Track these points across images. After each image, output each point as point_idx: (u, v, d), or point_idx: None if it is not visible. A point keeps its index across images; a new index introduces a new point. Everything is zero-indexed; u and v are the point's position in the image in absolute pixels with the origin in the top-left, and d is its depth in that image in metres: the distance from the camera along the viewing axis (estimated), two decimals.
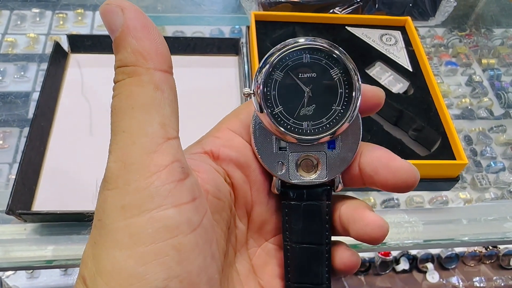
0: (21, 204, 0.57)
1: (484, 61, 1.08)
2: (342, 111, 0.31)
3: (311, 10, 0.74)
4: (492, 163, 0.93)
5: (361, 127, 0.32)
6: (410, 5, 0.77)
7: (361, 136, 0.32)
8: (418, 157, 0.62)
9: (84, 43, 0.73)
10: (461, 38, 1.11)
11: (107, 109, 0.70)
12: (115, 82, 0.27)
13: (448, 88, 1.02)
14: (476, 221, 0.62)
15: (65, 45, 0.74)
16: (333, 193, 0.34)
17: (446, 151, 0.62)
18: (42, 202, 0.59)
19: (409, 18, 0.74)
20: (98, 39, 0.73)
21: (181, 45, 0.74)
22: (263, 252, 0.35)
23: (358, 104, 0.31)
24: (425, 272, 1.10)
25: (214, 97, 0.70)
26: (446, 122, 0.63)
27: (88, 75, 0.71)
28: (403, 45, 0.72)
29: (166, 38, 0.77)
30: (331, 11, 0.75)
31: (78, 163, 0.62)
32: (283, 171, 0.33)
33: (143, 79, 0.26)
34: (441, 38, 1.10)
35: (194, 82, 0.72)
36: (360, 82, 0.31)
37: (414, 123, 0.65)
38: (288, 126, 0.31)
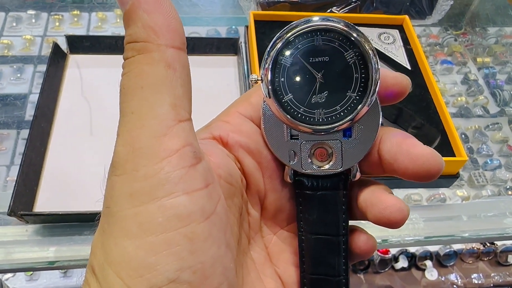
0: (22, 205, 0.56)
1: (479, 59, 1.09)
2: (357, 97, 0.29)
3: (309, 10, 0.74)
4: (488, 160, 0.93)
5: (381, 114, 0.30)
6: (407, 4, 0.77)
7: (380, 123, 0.30)
8: None
9: (82, 44, 0.73)
10: (456, 37, 1.11)
11: (107, 109, 0.71)
12: (124, 59, 0.25)
13: (444, 87, 1.02)
14: (476, 218, 0.63)
15: (63, 46, 0.74)
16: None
17: (446, 148, 0.62)
18: (44, 203, 0.59)
19: (406, 17, 0.75)
20: (97, 39, 0.73)
21: None
22: (278, 239, 0.34)
23: (375, 91, 0.28)
24: (423, 270, 1.10)
25: (213, 97, 0.70)
26: (445, 120, 0.64)
27: (88, 76, 0.71)
28: (401, 44, 0.73)
29: None
30: (329, 10, 0.75)
31: (79, 164, 0.62)
32: (296, 160, 0.30)
33: (154, 56, 0.24)
34: (436, 37, 1.11)
35: (193, 82, 0.71)
36: (378, 66, 0.28)
37: (413, 120, 0.65)
38: (299, 115, 0.29)
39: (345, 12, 0.75)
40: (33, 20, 0.98)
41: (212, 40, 0.74)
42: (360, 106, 0.28)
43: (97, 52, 0.73)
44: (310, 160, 0.31)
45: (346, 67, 0.28)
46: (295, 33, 0.28)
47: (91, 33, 0.94)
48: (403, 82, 0.30)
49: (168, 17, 0.25)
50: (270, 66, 0.29)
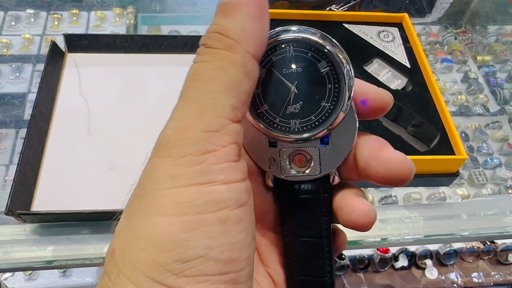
0: (20, 204, 0.56)
1: (479, 58, 1.09)
2: (331, 107, 0.29)
3: (308, 8, 0.74)
4: (488, 159, 0.93)
5: (357, 121, 0.30)
6: (407, 1, 0.77)
7: (356, 130, 0.30)
8: (417, 152, 0.62)
9: (81, 43, 0.72)
10: (456, 35, 1.11)
11: (105, 108, 0.70)
12: (204, 45, 0.26)
13: (444, 85, 1.02)
14: (476, 216, 0.62)
15: (62, 45, 0.74)
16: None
17: (445, 147, 0.62)
18: (41, 202, 0.59)
19: (406, 15, 0.74)
20: (95, 38, 0.73)
21: (179, 44, 0.74)
22: (267, 241, 0.34)
23: (349, 98, 0.29)
24: (424, 269, 1.10)
25: None
26: (444, 118, 0.63)
27: (86, 75, 0.70)
28: (401, 42, 0.72)
29: (163, 37, 0.78)
30: (328, 8, 0.75)
31: (77, 163, 0.62)
32: (275, 166, 0.31)
33: (238, 59, 0.25)
34: (436, 35, 1.11)
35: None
36: (351, 75, 0.29)
37: (413, 119, 0.65)
38: (275, 125, 0.30)
39: (344, 10, 0.75)
40: (32, 19, 0.98)
41: None
42: (334, 115, 0.29)
43: (95, 50, 0.73)
44: (289, 166, 0.31)
45: (319, 78, 0.29)
46: (268, 45, 0.28)
47: (90, 32, 0.95)
48: (385, 98, 0.30)
49: (264, 31, 0.26)
50: None
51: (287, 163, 0.31)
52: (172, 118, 0.25)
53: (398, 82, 0.69)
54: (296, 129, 0.30)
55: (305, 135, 0.30)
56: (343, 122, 0.30)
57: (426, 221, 0.61)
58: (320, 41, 0.28)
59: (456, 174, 0.62)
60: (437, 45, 1.09)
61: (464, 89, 1.04)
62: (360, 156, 0.30)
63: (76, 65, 0.71)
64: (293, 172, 0.31)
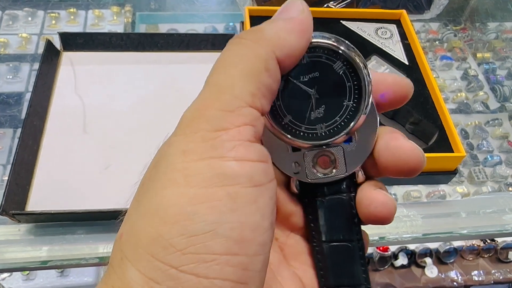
0: (14, 204, 0.56)
1: (479, 55, 1.08)
2: (355, 104, 0.29)
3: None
4: (488, 156, 0.93)
5: (378, 116, 0.30)
6: None
7: (378, 125, 0.30)
8: None
9: (76, 41, 0.72)
10: (455, 32, 1.11)
11: (100, 106, 0.70)
12: (237, 36, 0.27)
13: (443, 83, 1.02)
14: (474, 214, 0.62)
15: (57, 44, 0.73)
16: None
17: (444, 144, 0.61)
18: (36, 202, 0.58)
19: (404, 11, 0.73)
20: (91, 36, 0.72)
21: (175, 42, 0.74)
22: (293, 241, 0.33)
23: (370, 94, 0.29)
24: (423, 267, 1.10)
25: None
26: (443, 115, 0.63)
27: (81, 73, 0.70)
28: (399, 39, 0.71)
29: (159, 35, 0.77)
30: (325, 5, 0.74)
31: (72, 162, 0.62)
32: (300, 171, 0.31)
33: (262, 53, 0.26)
34: (435, 32, 1.10)
35: (189, 78, 0.71)
36: (368, 70, 0.29)
37: (411, 116, 0.64)
38: (301, 134, 0.29)
39: (342, 7, 0.74)
40: (29, 18, 0.98)
41: (207, 36, 0.74)
42: (358, 113, 0.29)
43: (91, 49, 0.72)
44: (314, 169, 0.31)
45: (337, 78, 0.29)
46: None
47: (88, 31, 0.94)
48: (404, 86, 0.30)
49: (298, 47, 0.27)
50: None
51: (312, 166, 0.31)
52: (193, 101, 0.26)
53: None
54: (323, 133, 0.30)
55: (334, 137, 0.30)
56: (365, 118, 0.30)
57: (424, 219, 0.60)
58: (333, 43, 0.29)
59: (454, 172, 0.61)
60: (437, 42, 1.09)
61: (464, 87, 1.04)
62: (376, 149, 0.30)
63: (72, 63, 0.70)
64: (319, 174, 0.31)
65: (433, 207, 0.62)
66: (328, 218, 0.31)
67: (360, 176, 0.31)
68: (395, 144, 0.29)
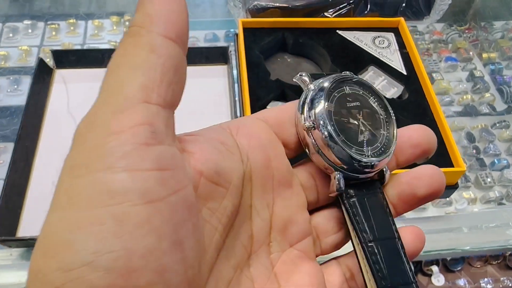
0: (5, 229, 0.55)
1: (484, 55, 1.06)
2: (388, 134, 0.33)
3: (300, 15, 0.72)
4: (496, 160, 0.91)
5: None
6: (403, 4, 0.74)
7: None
8: (414, 165, 0.59)
9: (69, 58, 0.71)
10: (460, 32, 1.09)
11: None
12: (124, 36, 0.25)
13: (448, 85, 1.00)
14: (477, 229, 0.60)
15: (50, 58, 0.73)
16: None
17: (444, 158, 0.59)
18: (28, 225, 0.57)
19: (402, 19, 0.72)
20: (83, 53, 0.72)
21: None
22: (287, 258, 0.30)
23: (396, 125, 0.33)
24: (430, 275, 1.08)
25: (203, 109, 0.68)
26: (442, 128, 0.61)
27: (74, 91, 0.69)
28: (397, 48, 0.70)
29: None
30: (321, 14, 0.73)
31: None
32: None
33: (142, 40, 0.24)
34: (440, 33, 1.08)
35: (186, 92, 0.69)
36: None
37: None
38: (353, 152, 0.31)
39: (338, 16, 0.72)
40: (30, 30, 0.98)
41: (201, 50, 0.72)
42: (393, 142, 0.32)
43: (84, 66, 0.71)
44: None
45: (372, 110, 0.33)
46: (329, 84, 0.32)
47: (88, 41, 0.93)
48: (428, 137, 0.34)
49: (170, 10, 0.24)
50: (323, 114, 0.31)
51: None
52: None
53: (394, 90, 0.66)
54: (369, 155, 0.32)
55: (377, 159, 0.32)
56: None
57: (426, 235, 0.59)
58: (363, 80, 0.34)
59: (455, 187, 0.59)
60: (441, 43, 1.07)
61: (470, 88, 1.02)
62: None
63: (65, 81, 0.70)
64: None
65: (434, 222, 0.61)
66: (372, 217, 0.32)
67: (387, 175, 0.33)
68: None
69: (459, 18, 1.11)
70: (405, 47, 0.70)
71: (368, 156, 0.31)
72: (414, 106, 0.64)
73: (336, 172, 0.31)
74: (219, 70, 0.72)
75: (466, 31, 1.10)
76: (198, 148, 0.26)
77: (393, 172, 0.33)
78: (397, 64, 0.68)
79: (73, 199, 0.20)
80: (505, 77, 1.03)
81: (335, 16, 0.72)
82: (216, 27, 0.96)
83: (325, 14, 0.72)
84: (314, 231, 0.33)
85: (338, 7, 0.72)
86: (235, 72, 0.69)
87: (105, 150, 0.21)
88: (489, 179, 0.88)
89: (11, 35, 0.97)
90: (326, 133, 0.31)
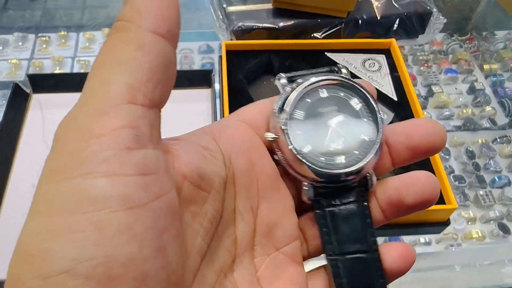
0: None
1: (486, 66, 1.03)
2: (369, 138, 0.30)
3: (287, 36, 0.68)
4: (496, 177, 0.87)
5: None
6: (396, 23, 0.71)
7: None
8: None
9: (46, 82, 0.68)
10: (461, 43, 1.05)
11: None
12: (108, 35, 0.24)
13: (448, 98, 0.97)
14: (470, 267, 0.57)
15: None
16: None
17: None
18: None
19: (393, 40, 0.68)
20: (61, 78, 0.69)
21: None
22: (272, 263, 0.30)
23: (382, 130, 0.30)
24: None
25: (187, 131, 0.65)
26: (434, 161, 0.58)
27: (50, 118, 0.66)
28: (388, 71, 0.66)
29: None
30: (312, 35, 0.69)
31: None
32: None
33: (129, 36, 0.23)
34: (440, 44, 1.05)
35: (167, 117, 0.67)
36: (379, 106, 0.31)
37: None
38: (321, 164, 0.29)
39: (328, 37, 0.69)
40: (20, 43, 0.96)
41: (183, 73, 0.69)
42: (376, 144, 0.30)
43: (62, 90, 0.69)
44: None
45: (353, 113, 0.30)
46: (302, 88, 0.30)
47: (79, 54, 0.92)
48: (438, 132, 0.30)
49: (160, 3, 0.23)
50: (286, 121, 0.30)
51: None
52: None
53: (384, 118, 0.63)
54: (341, 165, 0.29)
55: (351, 169, 0.29)
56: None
57: (414, 274, 0.56)
58: (349, 80, 0.31)
59: (447, 223, 0.56)
60: (441, 54, 1.04)
61: (470, 101, 0.99)
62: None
63: (41, 107, 0.67)
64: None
65: (423, 260, 0.58)
66: (344, 228, 0.30)
67: (374, 180, 0.30)
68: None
69: (460, 27, 1.08)
70: (397, 70, 0.67)
71: (340, 167, 0.29)
72: None
73: (306, 183, 0.30)
74: (203, 93, 0.69)
75: (467, 41, 1.07)
76: (182, 151, 0.26)
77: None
78: (388, 89, 0.64)
79: (51, 205, 0.20)
80: (507, 89, 1.00)
81: (324, 37, 0.68)
82: (209, 39, 0.94)
83: (314, 34, 0.69)
84: (302, 234, 0.32)
85: (327, 27, 0.68)
86: (217, 99, 0.67)
87: (85, 154, 0.20)
88: (489, 198, 0.85)
89: (1, 48, 0.95)
90: (290, 145, 0.29)
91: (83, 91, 0.22)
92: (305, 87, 0.30)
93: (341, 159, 0.29)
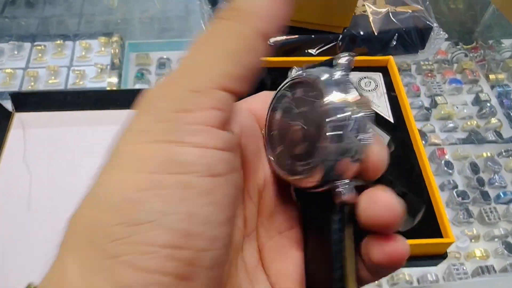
0: None
1: (492, 76, 1.00)
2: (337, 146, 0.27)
3: (280, 53, 0.66)
4: (501, 193, 0.86)
5: None
6: (394, 39, 0.68)
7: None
8: (399, 233, 0.53)
9: (29, 100, 0.66)
10: (466, 52, 1.02)
11: (50, 178, 0.63)
12: (217, 17, 0.25)
13: (452, 109, 0.95)
14: None
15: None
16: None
17: (431, 223, 0.53)
18: None
19: (391, 57, 0.65)
20: (46, 95, 0.67)
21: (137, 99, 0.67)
22: (274, 245, 0.30)
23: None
24: None
25: None
26: (431, 188, 0.55)
27: (32, 138, 0.64)
28: (384, 91, 0.63)
29: (119, 91, 0.71)
30: (306, 51, 0.66)
31: (12, 245, 0.56)
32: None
33: (243, 32, 0.24)
34: (444, 53, 1.02)
35: None
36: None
37: (394, 188, 0.56)
38: (287, 167, 0.28)
39: (323, 53, 0.66)
40: (15, 52, 0.96)
41: None
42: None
43: (46, 109, 0.66)
44: None
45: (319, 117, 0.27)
46: (283, 84, 0.29)
47: (75, 63, 0.92)
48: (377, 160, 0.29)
49: (280, 11, 0.25)
50: (267, 123, 0.30)
51: None
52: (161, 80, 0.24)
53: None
54: (302, 171, 0.27)
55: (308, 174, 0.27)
56: None
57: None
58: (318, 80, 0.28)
59: (444, 256, 0.53)
60: (446, 64, 1.01)
61: (475, 113, 0.96)
62: None
63: (23, 126, 0.64)
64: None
65: None
66: (315, 237, 0.29)
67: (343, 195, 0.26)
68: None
69: (465, 35, 1.05)
70: (394, 89, 0.64)
71: (296, 173, 0.27)
72: (400, 160, 0.58)
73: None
74: None
75: (473, 50, 1.04)
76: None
77: None
78: (384, 110, 0.61)
79: (139, 161, 0.21)
80: None
81: (319, 54, 0.65)
82: None
83: (309, 51, 0.66)
84: None
85: (322, 44, 0.65)
86: None
87: (176, 124, 0.22)
88: (493, 215, 0.83)
89: None
90: (267, 143, 0.30)
91: (182, 61, 0.24)
92: (285, 85, 0.29)
93: (303, 165, 0.28)
